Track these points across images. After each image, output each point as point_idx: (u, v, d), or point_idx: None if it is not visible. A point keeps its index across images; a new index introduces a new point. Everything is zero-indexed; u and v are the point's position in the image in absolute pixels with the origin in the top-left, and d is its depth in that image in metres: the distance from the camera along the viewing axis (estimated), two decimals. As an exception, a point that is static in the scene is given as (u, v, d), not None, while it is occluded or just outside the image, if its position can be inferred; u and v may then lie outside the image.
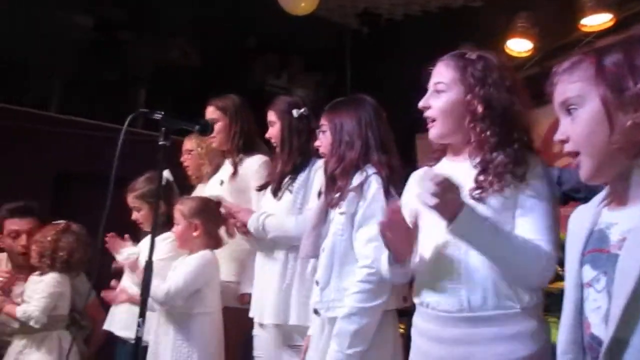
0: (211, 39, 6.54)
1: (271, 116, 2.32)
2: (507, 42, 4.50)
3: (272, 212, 2.21)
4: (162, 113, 1.89)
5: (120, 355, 2.61)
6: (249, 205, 2.42)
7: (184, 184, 2.90)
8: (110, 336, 2.67)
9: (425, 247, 1.53)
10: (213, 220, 2.32)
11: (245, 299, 2.37)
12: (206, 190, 2.65)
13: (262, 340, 2.21)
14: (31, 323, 2.52)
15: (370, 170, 1.82)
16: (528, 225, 1.43)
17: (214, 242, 2.33)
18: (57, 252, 2.65)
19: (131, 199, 2.65)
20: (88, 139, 4.81)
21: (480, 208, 1.43)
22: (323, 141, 1.94)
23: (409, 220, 1.50)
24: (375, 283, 1.69)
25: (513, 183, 1.45)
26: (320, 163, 2.20)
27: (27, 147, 4.57)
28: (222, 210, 2.32)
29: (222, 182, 2.58)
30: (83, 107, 5.52)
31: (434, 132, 1.57)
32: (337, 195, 1.83)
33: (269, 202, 2.29)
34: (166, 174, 2.53)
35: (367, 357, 1.71)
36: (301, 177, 2.23)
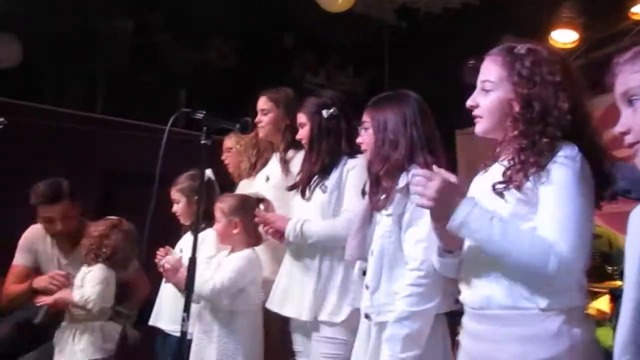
0: (249, 38, 6.59)
1: (301, 118, 2.29)
2: (551, 33, 4.36)
3: (307, 218, 2.19)
4: (204, 112, 1.91)
5: (162, 348, 2.65)
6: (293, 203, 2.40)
7: (225, 183, 2.94)
8: (152, 327, 2.71)
9: (468, 248, 1.50)
10: (252, 218, 2.33)
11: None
12: (254, 185, 2.64)
13: (298, 336, 2.22)
14: (89, 306, 2.59)
15: (417, 170, 1.79)
16: (541, 217, 1.37)
17: (255, 239, 2.35)
18: (101, 248, 2.73)
19: (173, 192, 2.73)
20: (131, 139, 4.93)
21: (499, 203, 1.38)
22: (365, 138, 1.90)
23: None
24: (425, 286, 1.66)
25: (535, 175, 1.38)
26: (352, 163, 2.17)
27: (73, 148, 4.72)
28: (257, 214, 2.30)
29: (267, 179, 2.58)
30: (126, 108, 5.66)
31: (479, 127, 1.53)
32: (383, 197, 1.80)
33: (300, 203, 2.28)
34: (208, 172, 2.56)
35: None
36: (333, 177, 2.20)
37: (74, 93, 5.74)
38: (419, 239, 1.68)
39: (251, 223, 2.34)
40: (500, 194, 1.40)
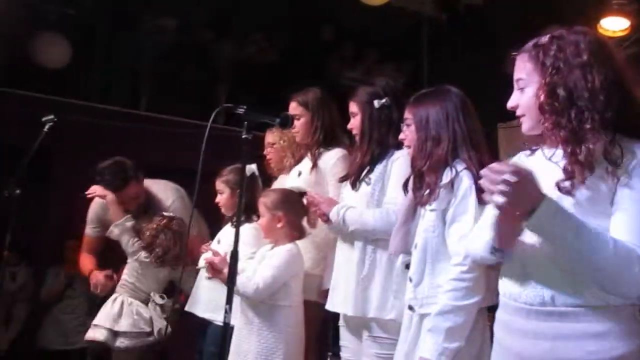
0: (288, 34, 6.63)
1: (352, 107, 2.29)
2: (600, 21, 4.20)
3: (352, 205, 2.20)
4: (245, 107, 1.94)
5: (203, 335, 2.71)
6: None
7: (265, 177, 2.97)
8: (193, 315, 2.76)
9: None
10: (295, 212, 2.35)
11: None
12: (287, 181, 2.68)
13: (346, 331, 2.22)
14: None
15: (460, 166, 1.76)
16: (623, 224, 1.30)
17: (298, 233, 2.36)
18: (154, 248, 2.82)
19: (218, 183, 2.77)
20: (174, 135, 5.03)
21: (565, 202, 1.33)
22: (408, 135, 1.90)
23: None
24: (469, 281, 1.66)
25: (606, 175, 1.32)
26: (398, 154, 2.16)
27: (119, 144, 4.86)
28: (305, 200, 2.33)
29: (299, 174, 2.61)
30: (169, 104, 5.78)
31: (524, 127, 1.49)
32: (427, 192, 1.79)
33: (348, 194, 2.29)
34: (252, 167, 2.60)
35: (457, 354, 1.68)
36: (378, 169, 2.20)
37: (119, 90, 5.91)
38: (463, 234, 1.67)
39: (294, 217, 2.36)
40: (569, 192, 1.33)
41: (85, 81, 5.66)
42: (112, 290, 2.94)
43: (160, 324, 2.75)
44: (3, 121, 4.56)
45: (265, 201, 2.37)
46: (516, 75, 1.50)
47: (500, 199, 1.25)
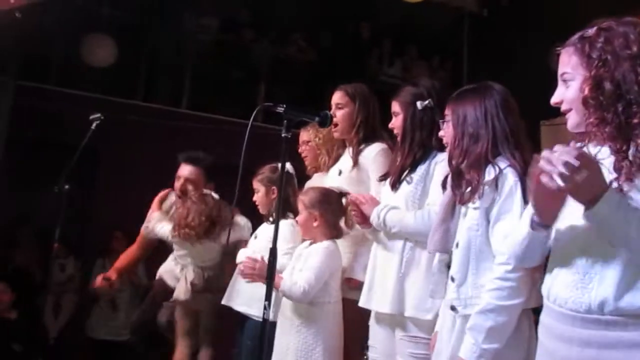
0: (327, 32, 6.65)
1: (395, 107, 2.25)
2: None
3: (393, 205, 2.18)
4: (284, 106, 1.95)
5: (241, 329, 2.75)
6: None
7: (303, 175, 2.99)
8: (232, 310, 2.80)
9: (560, 231, 1.43)
10: (332, 211, 2.34)
11: (353, 283, 2.37)
12: (326, 180, 2.67)
13: (377, 330, 2.21)
14: None
15: (503, 163, 1.72)
16: None
17: (335, 232, 2.36)
18: (181, 226, 2.94)
19: (254, 182, 2.80)
20: (214, 133, 5.13)
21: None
22: (446, 132, 1.87)
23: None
24: (513, 280, 1.60)
25: None
26: (441, 156, 2.12)
27: (161, 141, 4.98)
28: (344, 200, 2.33)
29: (340, 172, 2.56)
30: (209, 103, 5.89)
31: (570, 123, 1.44)
32: (467, 190, 1.76)
33: (387, 194, 2.27)
34: (287, 166, 2.62)
35: (500, 356, 1.63)
36: (420, 170, 2.16)
37: (162, 89, 6.06)
38: (507, 233, 1.63)
39: (331, 217, 2.35)
40: (621, 190, 1.28)
41: (130, 80, 5.82)
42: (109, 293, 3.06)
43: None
44: (52, 119, 4.75)
45: (303, 199, 2.38)
46: (561, 70, 1.45)
47: (559, 182, 1.18)
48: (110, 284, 3.13)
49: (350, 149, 2.56)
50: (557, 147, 1.25)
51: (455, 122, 1.80)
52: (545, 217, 1.39)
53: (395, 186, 2.19)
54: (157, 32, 5.58)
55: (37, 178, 4.38)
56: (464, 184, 1.75)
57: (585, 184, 1.20)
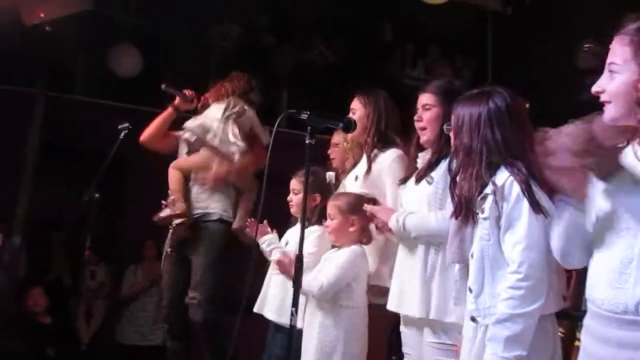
0: (348, 36, 6.65)
1: (429, 99, 2.20)
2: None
3: (411, 210, 2.17)
4: (308, 112, 1.96)
5: (272, 338, 2.76)
6: (383, 200, 2.39)
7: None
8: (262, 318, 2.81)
9: (598, 234, 1.41)
10: (366, 217, 2.35)
11: (378, 290, 2.37)
12: (346, 185, 2.67)
13: (409, 337, 2.20)
14: None
15: (503, 175, 1.68)
16: None
17: (366, 238, 2.36)
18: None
19: (294, 182, 2.80)
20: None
21: None
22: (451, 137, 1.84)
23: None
24: (526, 288, 1.60)
25: None
26: None
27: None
28: (366, 208, 2.31)
29: (356, 178, 2.56)
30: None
31: (607, 114, 1.41)
32: (459, 201, 1.74)
33: (408, 194, 2.25)
34: (330, 174, 2.65)
35: None
36: (441, 169, 2.16)
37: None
38: (517, 241, 1.61)
39: (366, 222, 2.35)
40: None
41: (155, 88, 5.91)
42: None
43: None
44: (82, 129, 4.86)
45: (339, 204, 2.35)
46: (610, 58, 1.40)
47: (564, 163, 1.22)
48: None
49: (366, 155, 2.56)
50: (566, 128, 1.26)
51: (454, 130, 1.79)
52: (569, 192, 1.38)
53: (419, 181, 2.16)
54: (180, 40, 5.66)
55: (68, 186, 4.48)
56: (456, 197, 1.75)
57: (596, 166, 1.21)
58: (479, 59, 6.48)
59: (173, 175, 3.15)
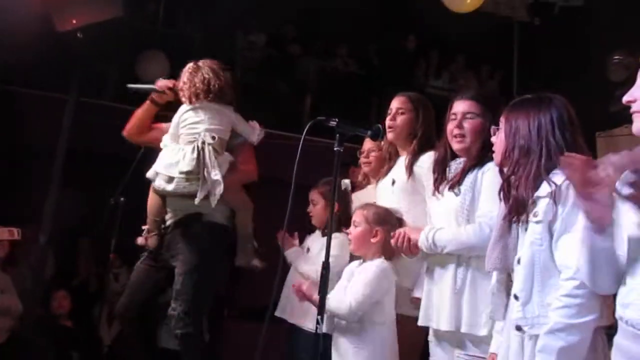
0: (372, 45, 6.66)
1: (475, 108, 2.18)
2: None
3: (439, 226, 2.14)
4: (337, 120, 1.96)
5: (294, 341, 2.76)
6: (422, 206, 2.36)
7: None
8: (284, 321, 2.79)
9: (633, 251, 1.37)
10: (390, 231, 2.32)
11: (414, 301, 2.34)
12: (378, 189, 2.62)
13: (437, 349, 2.17)
14: None
15: (560, 178, 1.66)
16: None
17: (390, 252, 2.33)
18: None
19: (312, 193, 2.80)
20: (262, 146, 5.19)
21: None
22: (498, 140, 1.81)
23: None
24: (583, 297, 1.52)
25: None
26: (489, 165, 2.08)
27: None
28: (394, 234, 2.26)
29: (393, 182, 2.50)
30: (257, 116, 5.97)
31: (636, 126, 1.39)
32: (515, 205, 1.70)
33: (435, 207, 2.23)
34: (347, 182, 2.62)
35: None
36: (469, 179, 2.12)
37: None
38: (573, 246, 1.54)
39: (390, 236, 2.33)
40: None
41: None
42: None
43: None
44: (110, 134, 4.94)
45: (366, 214, 2.33)
46: None
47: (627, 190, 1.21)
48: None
49: (404, 159, 2.51)
50: (611, 157, 1.24)
51: (507, 132, 1.75)
52: (595, 222, 1.36)
53: (453, 188, 2.13)
54: (208, 49, 5.74)
55: (95, 191, 4.55)
56: (511, 198, 1.71)
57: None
58: (505, 69, 6.43)
59: (150, 200, 2.79)
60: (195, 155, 2.56)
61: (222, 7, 5.26)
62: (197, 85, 2.68)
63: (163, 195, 2.69)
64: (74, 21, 4.07)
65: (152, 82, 2.97)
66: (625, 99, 1.42)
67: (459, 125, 2.15)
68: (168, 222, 2.76)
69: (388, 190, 2.50)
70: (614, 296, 1.48)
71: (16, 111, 5.13)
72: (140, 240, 2.82)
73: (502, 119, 1.80)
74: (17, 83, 5.37)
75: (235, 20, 5.67)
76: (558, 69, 5.11)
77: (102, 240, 4.17)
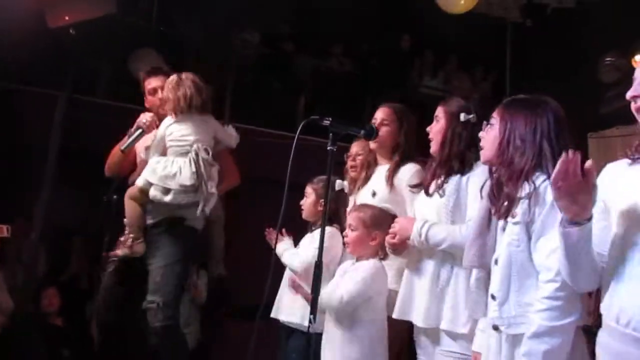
0: (367, 45, 6.67)
1: (439, 112, 2.22)
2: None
3: (433, 222, 2.14)
4: (330, 119, 1.97)
5: (284, 340, 2.75)
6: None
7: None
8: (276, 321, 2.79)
9: (618, 250, 1.39)
10: (386, 231, 2.33)
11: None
12: (358, 199, 2.63)
13: (423, 344, 2.19)
14: None
15: (542, 177, 1.67)
16: None
17: (384, 253, 2.35)
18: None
19: (308, 187, 2.79)
20: (256, 145, 5.20)
21: None
22: (488, 135, 1.81)
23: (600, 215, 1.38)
24: (564, 299, 1.53)
25: None
26: (475, 171, 2.10)
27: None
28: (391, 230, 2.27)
29: (374, 194, 2.53)
30: (251, 115, 5.98)
31: None
32: (505, 203, 1.70)
33: (420, 205, 2.26)
34: (344, 183, 2.62)
35: None
36: (453, 182, 2.15)
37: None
38: (553, 248, 1.54)
39: (385, 236, 2.34)
40: None
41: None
42: None
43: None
44: (102, 131, 4.92)
45: (363, 217, 2.32)
46: None
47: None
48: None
49: (384, 169, 2.55)
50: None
51: (502, 129, 1.74)
52: (571, 215, 1.39)
53: (428, 193, 2.17)
54: (202, 47, 5.72)
55: (87, 188, 4.54)
56: (502, 196, 1.71)
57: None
58: (498, 69, 6.46)
59: (130, 208, 2.82)
60: (194, 169, 2.68)
61: (216, 5, 5.25)
62: (180, 100, 2.77)
63: (145, 203, 2.78)
64: (67, 18, 4.05)
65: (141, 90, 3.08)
66: (629, 94, 1.43)
67: (430, 128, 2.26)
68: (147, 223, 2.83)
69: (368, 202, 2.51)
70: (589, 294, 1.49)
71: (8, 108, 5.10)
72: (121, 252, 2.80)
73: (495, 116, 1.79)
74: (9, 79, 5.33)
75: (230, 19, 5.66)
76: (550, 70, 5.14)
77: (95, 238, 4.16)
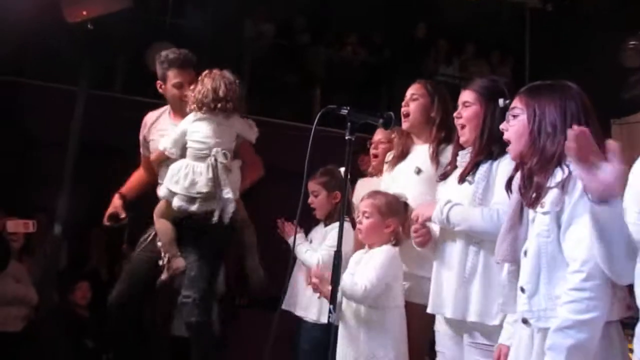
0: (382, 33, 6.61)
1: (468, 96, 2.11)
2: None
3: (456, 202, 2.05)
4: (348, 108, 1.94)
5: (300, 333, 2.74)
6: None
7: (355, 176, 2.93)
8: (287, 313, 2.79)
9: None
10: (401, 220, 2.31)
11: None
12: (395, 175, 2.50)
13: (444, 336, 2.16)
14: None
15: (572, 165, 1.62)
16: None
17: (397, 241, 2.30)
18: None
19: (312, 185, 2.74)
20: (272, 136, 5.19)
21: None
22: (513, 126, 1.75)
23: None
24: (590, 290, 1.47)
25: None
26: (506, 155, 2.05)
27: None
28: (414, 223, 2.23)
29: (418, 171, 2.40)
30: (267, 106, 5.98)
31: None
32: (535, 193, 1.66)
33: (450, 191, 2.20)
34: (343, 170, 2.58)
35: None
36: (483, 168, 2.09)
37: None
38: (581, 238, 1.49)
39: (400, 225, 2.30)
40: None
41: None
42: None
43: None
44: (121, 126, 4.97)
45: (378, 204, 2.29)
46: None
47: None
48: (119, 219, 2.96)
49: (428, 148, 2.43)
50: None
51: (530, 117, 1.68)
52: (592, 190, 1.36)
53: (463, 180, 2.11)
54: (217, 39, 5.73)
55: (108, 182, 4.59)
56: (534, 186, 1.67)
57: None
58: (517, 56, 6.36)
59: (162, 226, 2.72)
60: (210, 175, 2.60)
61: (230, -3, 5.25)
62: (208, 94, 2.66)
63: (173, 216, 2.69)
64: (84, 12, 4.08)
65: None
66: None
67: (459, 115, 2.13)
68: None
69: (412, 179, 2.42)
70: (629, 288, 1.45)
71: (27, 103, 5.17)
72: (164, 277, 2.69)
73: (520, 106, 1.74)
74: (27, 76, 5.40)
75: (244, 11, 5.65)
76: (571, 55, 5.04)
77: (114, 231, 4.21)
